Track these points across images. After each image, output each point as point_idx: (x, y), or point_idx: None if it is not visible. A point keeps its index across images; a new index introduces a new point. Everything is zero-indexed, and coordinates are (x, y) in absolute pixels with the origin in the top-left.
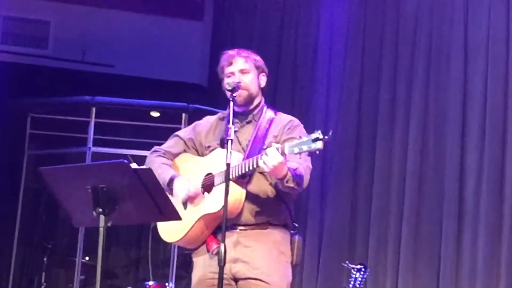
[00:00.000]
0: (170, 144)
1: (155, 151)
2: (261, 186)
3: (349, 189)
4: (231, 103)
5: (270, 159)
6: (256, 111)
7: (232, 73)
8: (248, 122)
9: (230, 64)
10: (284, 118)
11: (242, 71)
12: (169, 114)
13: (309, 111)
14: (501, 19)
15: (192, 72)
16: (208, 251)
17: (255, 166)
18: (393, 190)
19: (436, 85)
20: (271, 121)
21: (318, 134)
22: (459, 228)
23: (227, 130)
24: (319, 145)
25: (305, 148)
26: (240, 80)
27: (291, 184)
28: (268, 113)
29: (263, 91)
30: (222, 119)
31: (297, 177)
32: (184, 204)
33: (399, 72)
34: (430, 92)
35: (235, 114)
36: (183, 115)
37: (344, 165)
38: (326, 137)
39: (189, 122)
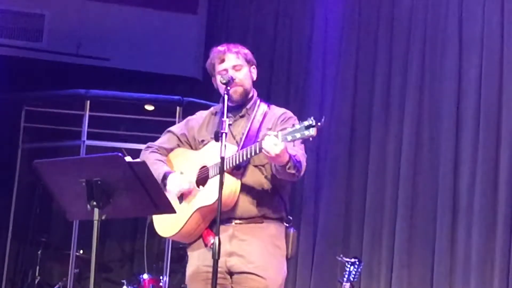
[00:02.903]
0: (164, 140)
1: (149, 147)
2: (256, 179)
3: (344, 183)
4: (226, 97)
5: (272, 147)
6: (249, 105)
7: (226, 70)
8: (242, 116)
9: (222, 61)
10: (277, 111)
11: (235, 67)
12: (163, 108)
13: (304, 105)
14: (495, 13)
15: (186, 65)
16: (205, 245)
17: (254, 153)
18: (388, 184)
19: (431, 79)
20: (264, 115)
21: (310, 121)
22: (453, 223)
23: (221, 123)
24: (312, 132)
25: (298, 135)
26: (234, 76)
27: (292, 171)
28: (262, 107)
29: (254, 83)
30: (215, 113)
31: (298, 164)
32: (179, 199)
33: (394, 66)
34: (425, 86)
35: (229, 109)
36: (178, 108)
37: (338, 159)
38: (319, 123)
39: (184, 116)
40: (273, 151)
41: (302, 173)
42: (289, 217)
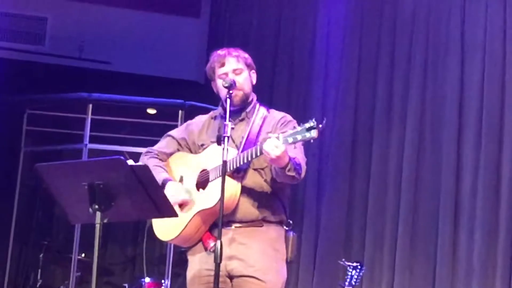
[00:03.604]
0: (163, 145)
1: (148, 152)
2: (256, 182)
3: (346, 187)
4: (228, 100)
5: (273, 149)
6: (248, 108)
7: (226, 74)
8: (241, 120)
9: (223, 65)
10: (276, 115)
11: (235, 71)
12: (165, 111)
13: (306, 109)
14: (498, 17)
15: (188, 69)
16: (205, 249)
17: (255, 155)
18: (390, 188)
19: (433, 83)
20: (264, 119)
21: (312, 123)
22: (455, 227)
23: (224, 127)
24: (314, 133)
25: (299, 137)
26: (234, 80)
27: (292, 173)
28: (261, 111)
29: (256, 87)
30: (214, 118)
31: (297, 166)
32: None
33: (396, 70)
34: (427, 90)
35: (229, 113)
36: (180, 112)
37: (340, 163)
38: (320, 125)
39: (185, 119)
40: (273, 153)
41: (302, 176)
42: (289, 220)
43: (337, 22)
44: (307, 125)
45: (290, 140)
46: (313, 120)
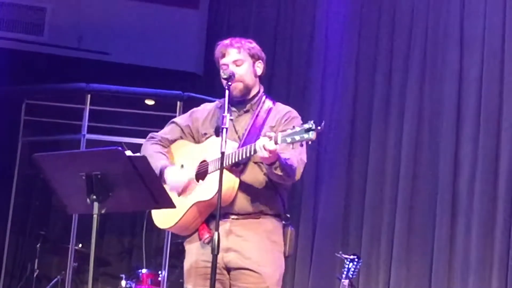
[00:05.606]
0: (167, 131)
1: (151, 137)
2: (255, 175)
3: (343, 181)
4: (227, 92)
5: (262, 150)
6: (254, 100)
7: (226, 65)
8: (246, 111)
9: (223, 55)
10: (282, 109)
11: (236, 62)
12: (164, 102)
13: (304, 100)
14: (497, 12)
15: (187, 60)
16: (200, 239)
17: (252, 153)
18: (387, 182)
19: (432, 78)
20: (269, 111)
21: (310, 124)
22: (452, 221)
23: (222, 118)
24: (312, 135)
25: (297, 138)
26: (234, 71)
27: (279, 172)
28: (267, 103)
29: (261, 78)
30: (219, 107)
31: (287, 167)
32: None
33: (395, 64)
34: (426, 85)
35: (234, 103)
36: (178, 103)
37: (338, 156)
38: (319, 127)
39: (184, 110)
40: (266, 153)
41: (293, 177)
42: (287, 214)
43: (336, 14)
44: (306, 126)
45: (289, 140)
46: (312, 122)
